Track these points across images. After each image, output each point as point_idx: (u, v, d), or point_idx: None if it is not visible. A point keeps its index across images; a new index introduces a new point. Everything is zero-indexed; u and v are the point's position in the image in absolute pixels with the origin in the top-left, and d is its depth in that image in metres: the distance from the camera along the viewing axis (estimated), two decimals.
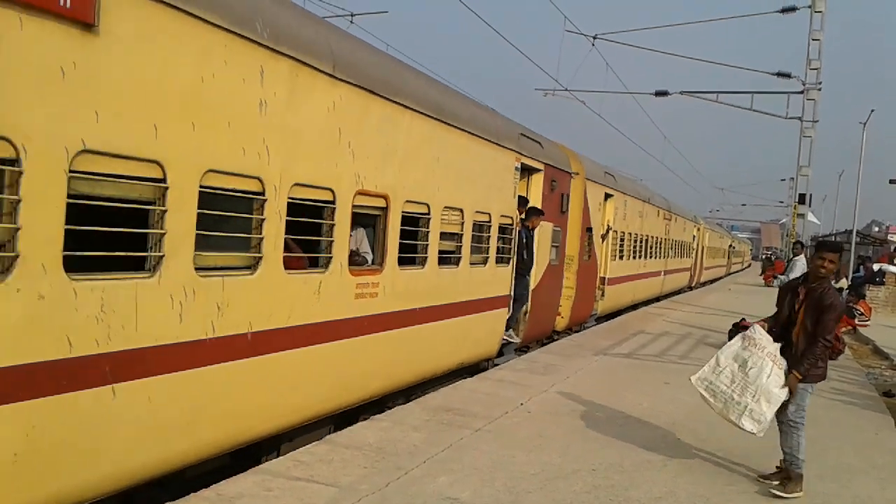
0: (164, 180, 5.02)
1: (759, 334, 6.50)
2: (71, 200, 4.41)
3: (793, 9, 24.53)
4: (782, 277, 17.88)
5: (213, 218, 5.45)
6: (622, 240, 20.26)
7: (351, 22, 18.95)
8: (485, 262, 10.80)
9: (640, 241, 22.87)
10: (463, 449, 6.96)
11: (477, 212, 10.29)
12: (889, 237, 57.31)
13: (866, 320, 22.46)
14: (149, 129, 4.90)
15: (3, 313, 4.13)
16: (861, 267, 31.81)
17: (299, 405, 6.89)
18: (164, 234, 5.07)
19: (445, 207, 9.29)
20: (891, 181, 34.99)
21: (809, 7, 24.69)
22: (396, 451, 6.69)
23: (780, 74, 25.35)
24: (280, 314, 6.37)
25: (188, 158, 5.21)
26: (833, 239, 35.24)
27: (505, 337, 12.00)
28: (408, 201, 8.32)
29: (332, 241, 6.96)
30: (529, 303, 12.69)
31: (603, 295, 18.75)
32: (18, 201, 4.15)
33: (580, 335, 15.75)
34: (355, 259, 7.58)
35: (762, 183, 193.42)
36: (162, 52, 4.97)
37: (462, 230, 9.92)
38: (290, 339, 6.53)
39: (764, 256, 69.44)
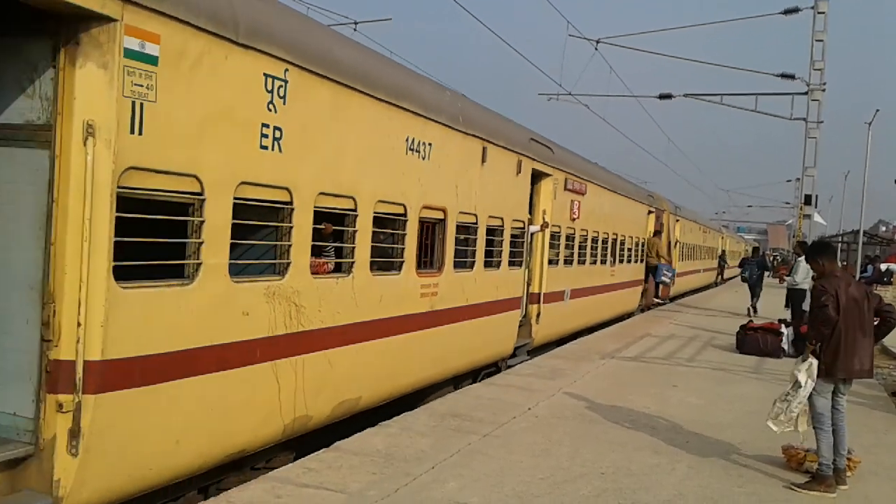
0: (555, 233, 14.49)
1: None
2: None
3: (795, 10, 24.44)
4: (788, 279, 17.74)
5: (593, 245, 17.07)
6: (681, 248, 30.92)
7: (355, 29, 18.78)
8: (634, 261, 21.98)
9: (691, 249, 34.39)
10: (471, 454, 6.89)
11: (637, 236, 21.98)
12: None
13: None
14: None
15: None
16: (869, 266, 31.64)
17: (596, 318, 17.88)
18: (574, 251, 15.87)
19: (628, 236, 20.71)
20: None
21: (812, 8, 24.54)
22: (405, 457, 6.62)
23: (783, 76, 25.19)
24: (593, 281, 17.07)
25: (610, 230, 18.45)
26: (826, 240, 35.03)
27: (642, 303, 23.45)
28: (623, 234, 19.82)
29: (606, 253, 18.22)
30: (648, 283, 24.18)
31: (674, 283, 27.89)
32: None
33: (587, 339, 16.00)
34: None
35: (768, 184, 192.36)
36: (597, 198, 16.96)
37: (633, 245, 21.29)
38: (597, 290, 17.55)
39: (772, 258, 70.39)
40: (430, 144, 8.62)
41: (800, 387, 6.72)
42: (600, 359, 12.95)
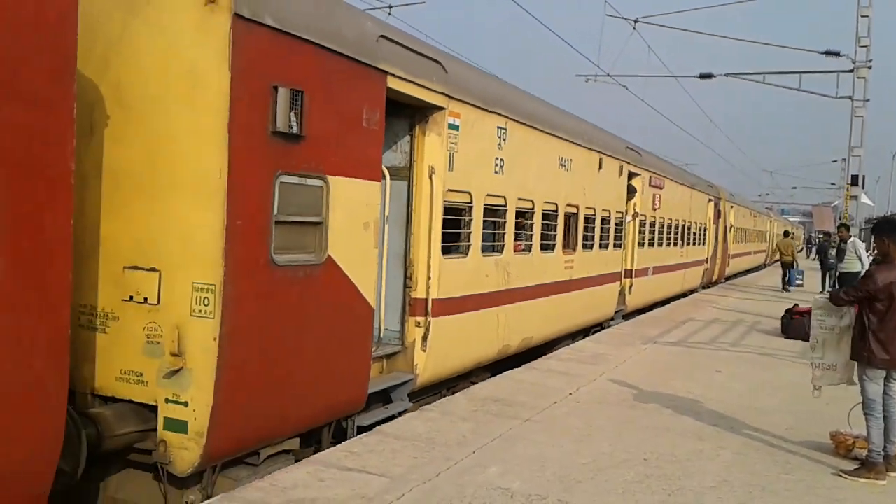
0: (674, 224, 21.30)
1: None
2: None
3: None
4: (843, 264, 16.99)
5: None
6: (735, 232, 34.83)
7: (389, 13, 18.60)
8: (698, 243, 25.30)
9: (743, 233, 38.15)
10: (512, 439, 6.91)
11: (700, 222, 25.37)
12: None
13: None
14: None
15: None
16: None
17: (670, 291, 21.87)
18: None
19: (694, 222, 24.14)
20: None
21: None
22: (446, 442, 6.67)
23: (828, 53, 24.17)
24: (669, 260, 21.01)
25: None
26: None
27: (702, 281, 26.89)
28: (690, 221, 23.56)
29: (678, 237, 22.13)
30: (708, 264, 27.54)
31: (728, 264, 32.54)
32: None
33: (629, 323, 16.10)
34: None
35: (813, 165, 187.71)
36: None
37: (697, 230, 24.78)
38: (672, 268, 21.57)
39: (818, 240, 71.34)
40: (570, 160, 12.11)
41: (841, 316, 6.90)
42: (642, 344, 12.88)
